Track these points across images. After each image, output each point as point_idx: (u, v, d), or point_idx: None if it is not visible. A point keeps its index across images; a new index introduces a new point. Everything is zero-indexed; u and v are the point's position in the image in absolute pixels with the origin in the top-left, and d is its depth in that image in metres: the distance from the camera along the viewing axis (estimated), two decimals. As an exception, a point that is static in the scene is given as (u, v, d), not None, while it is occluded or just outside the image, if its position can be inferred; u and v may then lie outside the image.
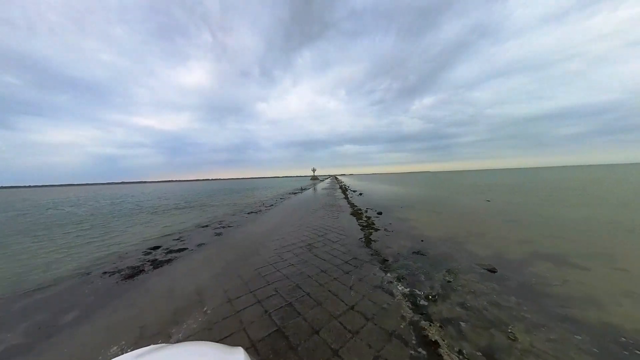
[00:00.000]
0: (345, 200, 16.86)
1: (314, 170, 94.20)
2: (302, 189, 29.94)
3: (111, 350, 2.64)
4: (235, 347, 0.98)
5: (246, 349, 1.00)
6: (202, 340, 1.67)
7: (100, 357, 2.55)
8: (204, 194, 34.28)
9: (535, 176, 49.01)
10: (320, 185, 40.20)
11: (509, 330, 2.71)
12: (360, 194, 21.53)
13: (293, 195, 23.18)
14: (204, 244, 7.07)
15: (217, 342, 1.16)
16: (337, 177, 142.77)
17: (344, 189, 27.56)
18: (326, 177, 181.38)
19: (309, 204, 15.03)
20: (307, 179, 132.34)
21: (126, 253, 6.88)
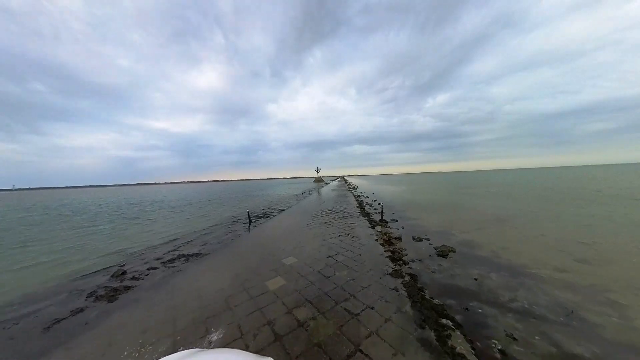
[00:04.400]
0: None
1: (317, 170, 77.22)
2: (248, 221, 11.28)
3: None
4: (266, 358, 0.98)
5: None
6: (233, 348, 1.37)
7: None
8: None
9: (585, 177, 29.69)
10: (325, 195, 23.03)
11: None
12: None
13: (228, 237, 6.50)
14: None
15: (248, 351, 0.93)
16: (346, 178, 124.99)
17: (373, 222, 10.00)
18: (333, 178, 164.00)
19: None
20: (312, 180, 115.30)
21: None
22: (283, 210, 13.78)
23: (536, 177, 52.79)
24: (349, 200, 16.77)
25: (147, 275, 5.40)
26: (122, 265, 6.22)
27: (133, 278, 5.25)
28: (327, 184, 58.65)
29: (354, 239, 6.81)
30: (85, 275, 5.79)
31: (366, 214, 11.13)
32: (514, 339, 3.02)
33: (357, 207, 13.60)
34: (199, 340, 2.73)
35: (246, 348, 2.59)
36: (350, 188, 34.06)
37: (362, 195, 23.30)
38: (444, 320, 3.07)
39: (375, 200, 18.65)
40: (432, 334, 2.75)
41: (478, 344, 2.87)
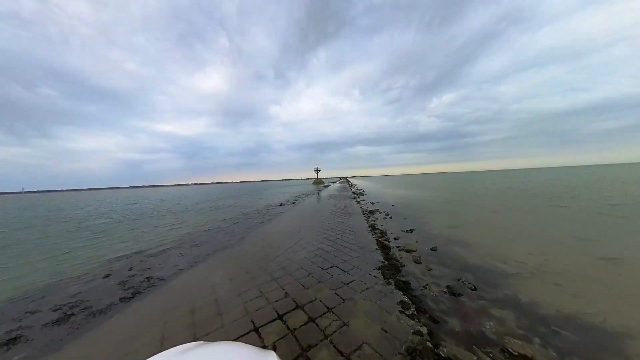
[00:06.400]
0: None
1: (317, 171, 68.19)
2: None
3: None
4: (267, 351, 0.98)
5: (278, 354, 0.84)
6: (236, 341, 1.48)
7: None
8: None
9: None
10: (317, 207, 13.97)
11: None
12: None
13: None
14: None
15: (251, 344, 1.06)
16: (349, 179, 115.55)
17: None
18: (335, 179, 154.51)
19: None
20: (312, 182, 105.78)
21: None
22: (167, 280, 4.71)
23: (577, 177, 42.51)
24: (355, 228, 7.61)
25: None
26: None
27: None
28: (327, 186, 49.49)
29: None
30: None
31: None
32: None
33: (383, 267, 4.44)
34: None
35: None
36: (354, 194, 24.80)
37: (376, 210, 13.96)
38: None
39: (411, 231, 9.21)
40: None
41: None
